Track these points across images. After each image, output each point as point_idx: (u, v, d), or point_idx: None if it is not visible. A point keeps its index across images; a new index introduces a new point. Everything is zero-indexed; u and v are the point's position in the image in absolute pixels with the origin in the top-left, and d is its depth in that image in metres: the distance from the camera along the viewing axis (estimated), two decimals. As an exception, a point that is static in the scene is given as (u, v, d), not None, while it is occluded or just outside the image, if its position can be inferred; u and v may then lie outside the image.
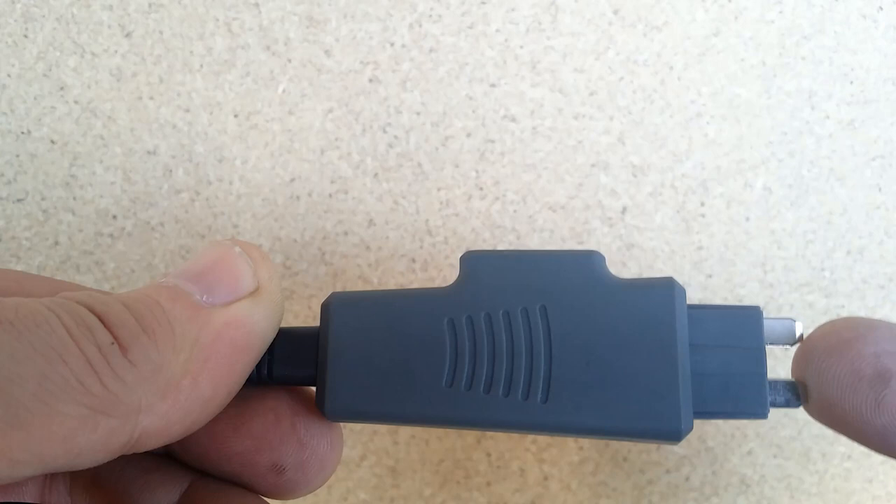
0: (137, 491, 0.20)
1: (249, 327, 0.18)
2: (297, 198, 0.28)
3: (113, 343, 0.16)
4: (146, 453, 0.19)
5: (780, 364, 0.28)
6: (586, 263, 0.19)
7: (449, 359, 0.19)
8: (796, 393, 0.19)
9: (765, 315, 0.19)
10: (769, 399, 0.19)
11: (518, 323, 0.19)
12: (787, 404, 0.19)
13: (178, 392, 0.17)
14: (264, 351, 0.19)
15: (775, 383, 0.19)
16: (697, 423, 0.29)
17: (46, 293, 0.19)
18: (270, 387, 0.20)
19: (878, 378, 0.18)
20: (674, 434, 0.18)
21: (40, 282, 0.21)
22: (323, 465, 0.21)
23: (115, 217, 0.28)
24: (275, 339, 0.19)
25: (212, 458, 0.20)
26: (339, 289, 0.29)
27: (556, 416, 0.18)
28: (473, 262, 0.19)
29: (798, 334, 0.19)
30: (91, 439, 0.16)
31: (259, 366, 0.19)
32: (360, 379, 0.19)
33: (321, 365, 0.19)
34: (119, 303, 0.16)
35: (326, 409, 0.19)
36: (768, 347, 0.19)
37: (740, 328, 0.19)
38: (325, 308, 0.20)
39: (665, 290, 0.19)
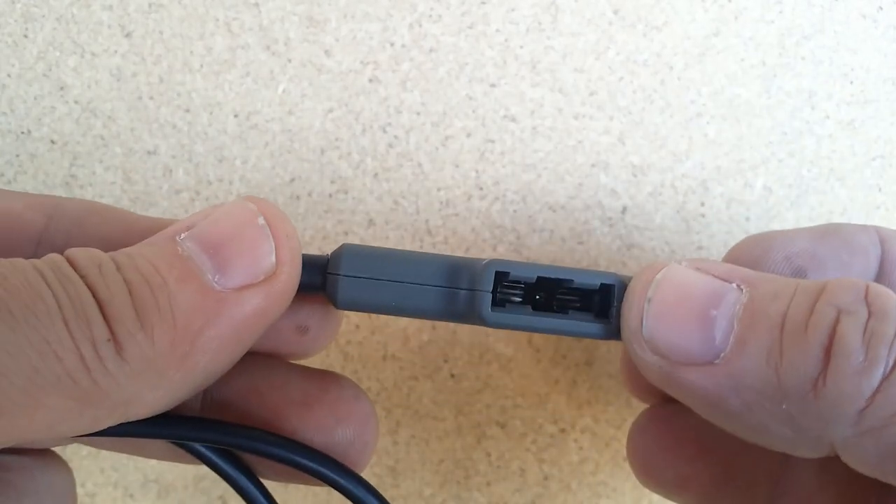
0: None
1: (257, 318, 0.17)
2: (297, 198, 0.28)
3: (109, 340, 0.15)
4: None
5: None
6: None
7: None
8: None
9: None
10: None
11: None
12: None
13: (169, 384, 0.16)
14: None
15: None
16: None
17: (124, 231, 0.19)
18: None
19: (795, 277, 0.19)
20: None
21: (125, 218, 0.20)
22: (339, 315, 0.21)
23: (115, 217, 0.28)
24: None
25: None
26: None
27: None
28: None
29: None
30: (74, 426, 0.16)
31: None
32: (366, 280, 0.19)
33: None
34: (124, 286, 0.16)
35: (339, 300, 0.19)
36: None
37: None
38: (337, 253, 0.20)
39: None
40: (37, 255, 0.19)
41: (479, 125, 0.28)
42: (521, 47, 0.28)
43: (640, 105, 0.28)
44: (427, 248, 0.28)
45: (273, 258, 0.17)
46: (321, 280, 0.20)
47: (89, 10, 0.27)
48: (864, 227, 0.21)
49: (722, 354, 0.16)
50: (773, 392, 0.16)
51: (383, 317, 0.28)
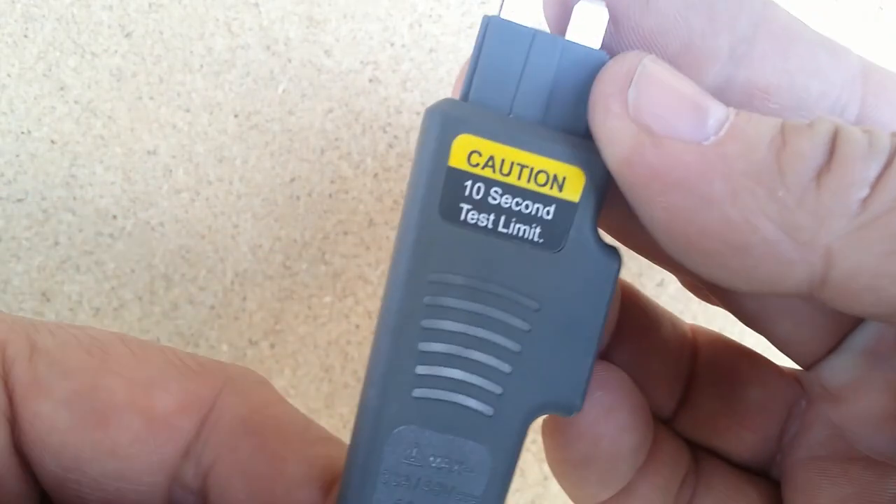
0: None
1: None
2: (297, 198, 0.28)
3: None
4: None
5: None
6: None
7: None
8: None
9: None
10: None
11: None
12: None
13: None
14: None
15: None
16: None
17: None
18: None
19: None
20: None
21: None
22: None
23: (115, 217, 0.28)
24: None
25: None
26: (339, 289, 0.29)
27: None
28: None
29: None
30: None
31: None
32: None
33: None
34: None
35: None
36: None
37: None
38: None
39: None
40: (179, 475, 0.17)
41: (479, 125, 0.28)
42: (521, 47, 0.28)
43: (641, 105, 0.28)
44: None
45: None
46: None
47: (89, 10, 0.27)
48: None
49: (713, 137, 0.15)
50: (769, 178, 0.14)
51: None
